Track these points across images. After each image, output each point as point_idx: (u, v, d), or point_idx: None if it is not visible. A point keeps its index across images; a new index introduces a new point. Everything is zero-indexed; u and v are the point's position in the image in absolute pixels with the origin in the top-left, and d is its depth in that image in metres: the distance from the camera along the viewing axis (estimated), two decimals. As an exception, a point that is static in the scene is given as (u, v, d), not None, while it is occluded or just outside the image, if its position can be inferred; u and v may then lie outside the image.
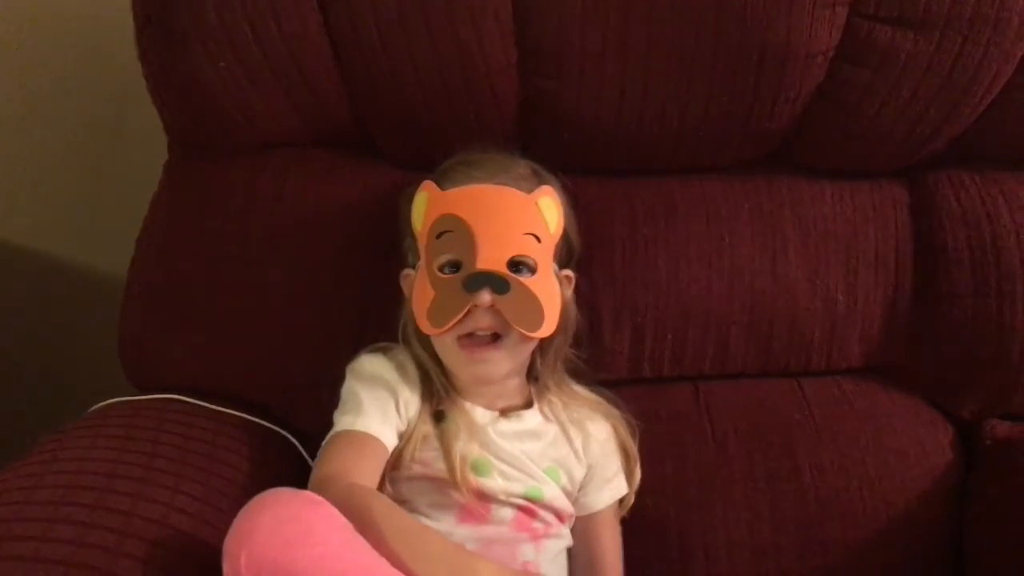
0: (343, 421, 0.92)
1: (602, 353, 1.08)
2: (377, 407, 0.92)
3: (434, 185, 0.95)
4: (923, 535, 1.05)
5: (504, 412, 0.98)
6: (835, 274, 1.10)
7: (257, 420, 1.03)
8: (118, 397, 1.05)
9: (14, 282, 1.50)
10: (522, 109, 1.08)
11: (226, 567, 0.72)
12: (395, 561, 0.75)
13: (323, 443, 0.91)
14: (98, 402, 1.04)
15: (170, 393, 1.04)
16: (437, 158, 1.06)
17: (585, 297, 1.06)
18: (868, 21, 1.02)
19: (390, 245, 1.06)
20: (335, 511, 0.75)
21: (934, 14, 1.01)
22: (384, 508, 0.81)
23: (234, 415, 1.03)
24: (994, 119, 1.07)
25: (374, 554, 0.75)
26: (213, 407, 1.02)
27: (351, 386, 0.95)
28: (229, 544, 0.72)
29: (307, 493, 0.78)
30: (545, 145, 1.10)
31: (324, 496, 0.77)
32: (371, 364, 0.96)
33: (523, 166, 0.99)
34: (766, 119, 1.07)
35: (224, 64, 1.02)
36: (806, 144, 1.11)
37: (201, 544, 0.83)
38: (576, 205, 1.06)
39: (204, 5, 1.00)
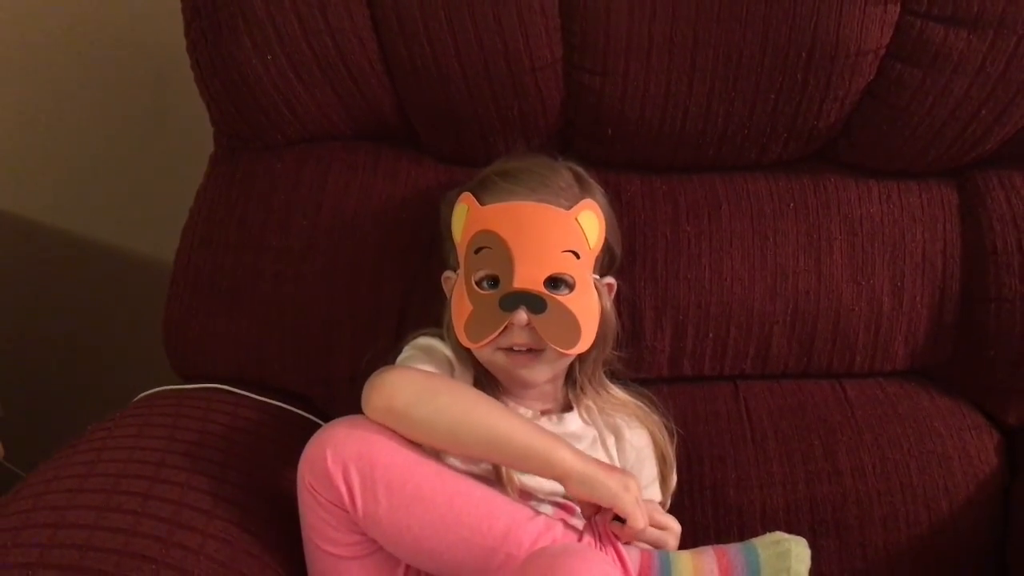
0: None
1: (643, 351, 1.08)
2: (429, 366, 0.94)
3: (473, 199, 0.94)
4: (966, 541, 1.04)
5: (544, 413, 0.99)
6: (881, 275, 1.09)
7: (300, 411, 1.04)
8: (163, 386, 1.06)
9: (62, 272, 1.52)
10: (566, 105, 1.08)
11: (308, 478, 0.80)
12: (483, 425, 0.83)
13: None
14: (143, 390, 1.06)
15: (214, 382, 1.06)
16: (480, 154, 1.07)
17: (627, 295, 1.06)
18: (920, 19, 1.01)
19: (430, 240, 1.06)
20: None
21: (988, 13, 0.99)
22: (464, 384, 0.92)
23: (277, 406, 1.04)
24: (1048, 120, 1.05)
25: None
26: (257, 397, 1.04)
27: (407, 354, 0.97)
28: (311, 452, 0.80)
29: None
30: (588, 141, 1.10)
31: (396, 371, 0.87)
32: (428, 341, 0.98)
33: (565, 176, 0.97)
34: (813, 117, 1.06)
35: (271, 57, 1.03)
36: (854, 143, 1.09)
37: (248, 533, 0.84)
38: (618, 202, 1.06)
39: (252, -1, 1.01)
